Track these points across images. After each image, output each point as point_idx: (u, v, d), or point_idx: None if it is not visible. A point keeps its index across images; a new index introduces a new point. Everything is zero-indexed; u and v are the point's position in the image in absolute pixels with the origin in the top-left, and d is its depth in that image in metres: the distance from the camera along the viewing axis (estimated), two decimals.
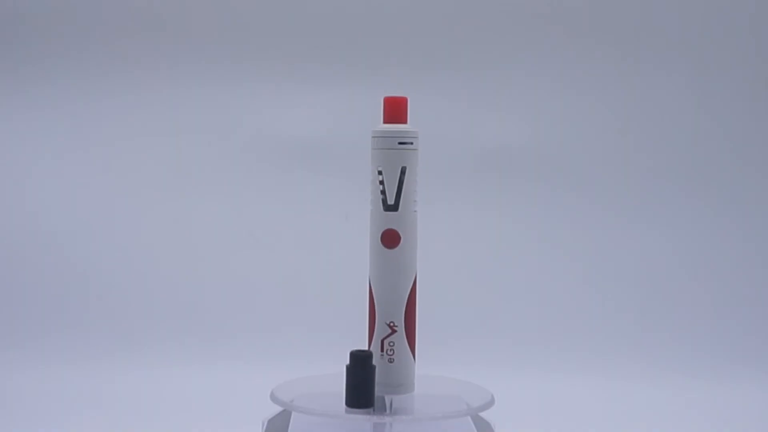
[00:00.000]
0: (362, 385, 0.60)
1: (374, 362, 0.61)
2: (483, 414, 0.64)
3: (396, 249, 0.62)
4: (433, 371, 0.67)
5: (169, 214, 1.10)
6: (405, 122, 0.63)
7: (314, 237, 1.09)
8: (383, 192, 0.62)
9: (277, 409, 0.64)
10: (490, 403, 0.63)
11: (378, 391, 0.62)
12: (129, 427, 0.90)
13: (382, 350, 0.62)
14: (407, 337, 0.63)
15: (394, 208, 0.62)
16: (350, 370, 0.61)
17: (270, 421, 0.64)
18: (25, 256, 1.09)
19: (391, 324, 0.62)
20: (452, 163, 1.10)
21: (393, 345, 0.62)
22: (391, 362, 0.62)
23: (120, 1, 1.10)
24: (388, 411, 0.62)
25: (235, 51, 1.11)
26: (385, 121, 0.63)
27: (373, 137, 0.63)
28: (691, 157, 1.11)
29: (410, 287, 0.63)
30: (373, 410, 0.61)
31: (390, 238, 0.62)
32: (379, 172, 0.62)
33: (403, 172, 0.62)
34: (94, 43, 1.10)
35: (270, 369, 0.82)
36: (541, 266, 1.09)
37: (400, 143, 0.62)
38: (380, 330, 0.62)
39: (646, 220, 1.11)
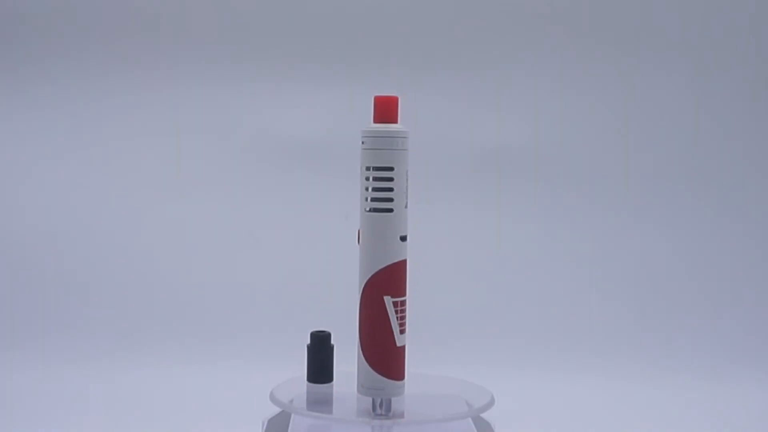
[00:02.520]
0: (321, 362, 0.65)
1: None
2: (483, 414, 0.64)
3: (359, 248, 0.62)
4: (433, 371, 0.67)
5: (169, 214, 1.10)
6: (392, 121, 0.61)
7: (314, 237, 1.09)
8: None
9: (278, 408, 0.64)
10: (491, 404, 0.63)
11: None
12: (129, 427, 0.90)
13: None
14: (359, 338, 0.62)
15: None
16: (310, 348, 0.65)
17: (270, 420, 0.65)
18: (25, 256, 1.09)
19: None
20: (452, 163, 1.10)
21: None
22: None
23: (120, 1, 1.10)
24: (387, 412, 0.62)
25: (235, 51, 1.10)
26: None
27: None
28: (691, 157, 1.11)
29: (362, 288, 0.61)
30: (372, 412, 0.61)
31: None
32: None
33: (362, 171, 0.62)
34: (94, 43, 1.10)
35: (270, 369, 0.82)
36: (541, 266, 1.09)
37: (362, 142, 0.62)
38: None
39: (646, 220, 1.11)
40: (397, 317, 0.61)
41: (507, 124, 1.11)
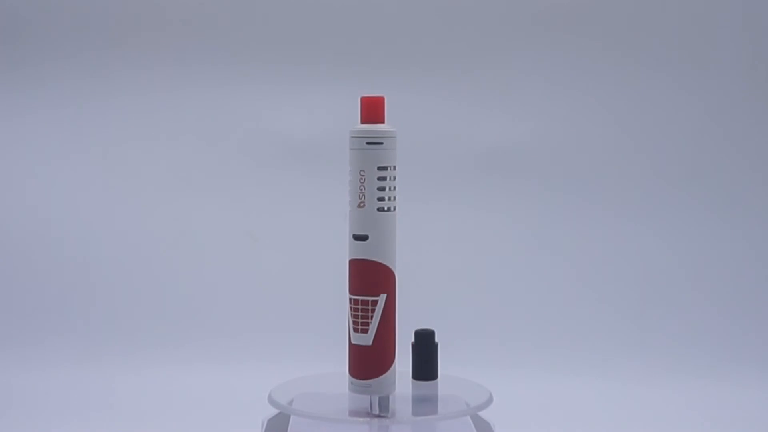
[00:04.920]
0: (426, 359, 0.65)
1: None
2: (482, 414, 0.64)
3: None
4: None
5: (170, 214, 1.10)
6: (375, 122, 0.62)
7: (314, 237, 1.09)
8: None
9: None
10: (489, 402, 0.63)
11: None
12: (129, 427, 0.90)
13: None
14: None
15: None
16: (415, 347, 0.66)
17: (270, 420, 0.65)
18: (26, 257, 1.09)
19: None
20: (452, 163, 1.10)
21: None
22: None
23: (120, 2, 1.11)
24: (387, 412, 0.62)
25: (235, 52, 1.11)
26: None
27: None
28: (692, 157, 1.11)
29: None
30: (372, 411, 0.61)
31: None
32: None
33: None
34: (94, 45, 1.10)
35: (270, 369, 0.82)
36: (541, 266, 1.09)
37: None
38: None
39: (646, 220, 1.11)
40: (350, 314, 0.62)
41: (505, 124, 1.11)
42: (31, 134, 1.11)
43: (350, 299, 0.62)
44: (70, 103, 1.11)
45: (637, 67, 1.11)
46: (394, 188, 0.62)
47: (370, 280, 0.62)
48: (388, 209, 0.62)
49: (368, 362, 0.62)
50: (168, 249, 1.09)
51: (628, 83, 1.11)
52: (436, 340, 0.67)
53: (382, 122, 0.62)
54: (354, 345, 0.62)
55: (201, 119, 1.11)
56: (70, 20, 1.10)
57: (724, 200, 1.11)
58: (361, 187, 0.61)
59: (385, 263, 0.62)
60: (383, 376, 0.62)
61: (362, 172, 0.61)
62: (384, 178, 0.61)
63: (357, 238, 0.62)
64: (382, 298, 0.61)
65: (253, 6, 1.11)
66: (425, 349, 0.67)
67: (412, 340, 0.67)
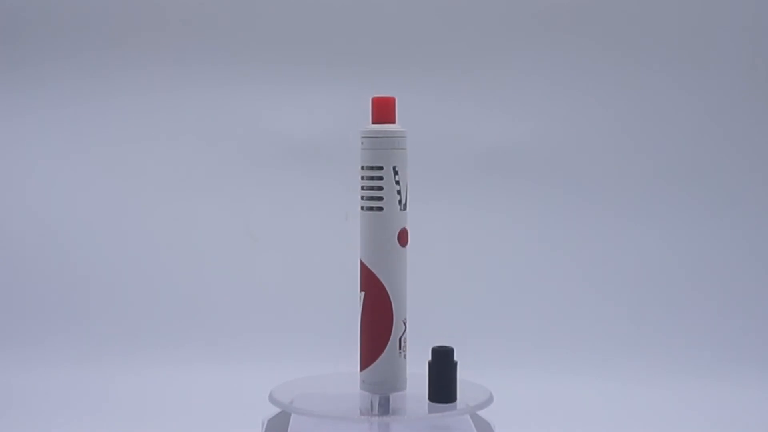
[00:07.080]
0: (445, 380, 0.63)
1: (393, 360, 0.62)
2: (483, 414, 0.64)
3: (407, 247, 0.63)
4: None
5: (170, 215, 1.10)
6: (385, 122, 0.62)
7: (314, 237, 1.09)
8: (399, 192, 0.62)
9: (278, 408, 0.64)
10: (489, 401, 0.63)
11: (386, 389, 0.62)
12: (129, 427, 0.90)
13: (399, 348, 0.63)
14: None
15: (405, 207, 0.63)
16: (433, 366, 0.63)
17: (270, 420, 0.65)
18: (26, 257, 1.09)
19: (404, 321, 0.63)
20: (452, 163, 1.10)
21: (405, 341, 0.63)
22: (404, 359, 0.63)
23: (120, 2, 1.11)
24: (386, 411, 0.62)
25: (235, 52, 1.11)
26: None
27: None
28: (691, 157, 1.11)
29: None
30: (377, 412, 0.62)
31: (405, 237, 0.63)
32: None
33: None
34: (94, 45, 1.10)
35: (270, 369, 0.82)
36: (541, 266, 1.09)
37: None
38: (397, 328, 0.63)
39: (646, 220, 1.11)
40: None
41: (505, 124, 1.11)
42: (31, 134, 1.11)
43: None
44: (70, 103, 1.11)
45: (637, 67, 1.11)
46: (378, 188, 0.62)
47: (359, 278, 0.63)
48: (368, 208, 0.62)
49: (360, 355, 0.63)
50: (168, 249, 1.09)
51: (628, 83, 1.11)
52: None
53: (389, 122, 0.62)
54: None
55: (201, 119, 1.11)
56: (70, 20, 1.10)
57: (724, 200, 1.11)
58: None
59: (364, 262, 0.62)
60: (367, 370, 0.62)
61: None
62: (362, 177, 0.62)
63: None
64: (361, 296, 0.62)
65: (253, 6, 1.11)
66: (441, 368, 0.63)
67: (429, 358, 0.65)
